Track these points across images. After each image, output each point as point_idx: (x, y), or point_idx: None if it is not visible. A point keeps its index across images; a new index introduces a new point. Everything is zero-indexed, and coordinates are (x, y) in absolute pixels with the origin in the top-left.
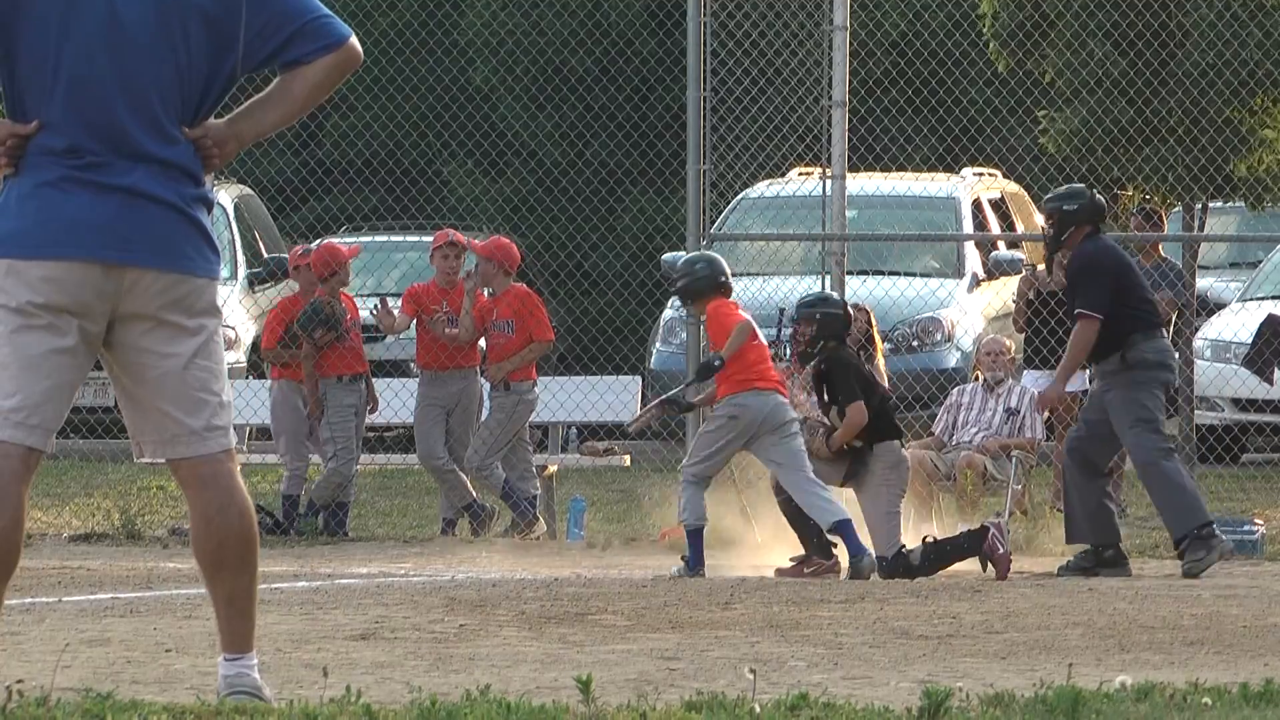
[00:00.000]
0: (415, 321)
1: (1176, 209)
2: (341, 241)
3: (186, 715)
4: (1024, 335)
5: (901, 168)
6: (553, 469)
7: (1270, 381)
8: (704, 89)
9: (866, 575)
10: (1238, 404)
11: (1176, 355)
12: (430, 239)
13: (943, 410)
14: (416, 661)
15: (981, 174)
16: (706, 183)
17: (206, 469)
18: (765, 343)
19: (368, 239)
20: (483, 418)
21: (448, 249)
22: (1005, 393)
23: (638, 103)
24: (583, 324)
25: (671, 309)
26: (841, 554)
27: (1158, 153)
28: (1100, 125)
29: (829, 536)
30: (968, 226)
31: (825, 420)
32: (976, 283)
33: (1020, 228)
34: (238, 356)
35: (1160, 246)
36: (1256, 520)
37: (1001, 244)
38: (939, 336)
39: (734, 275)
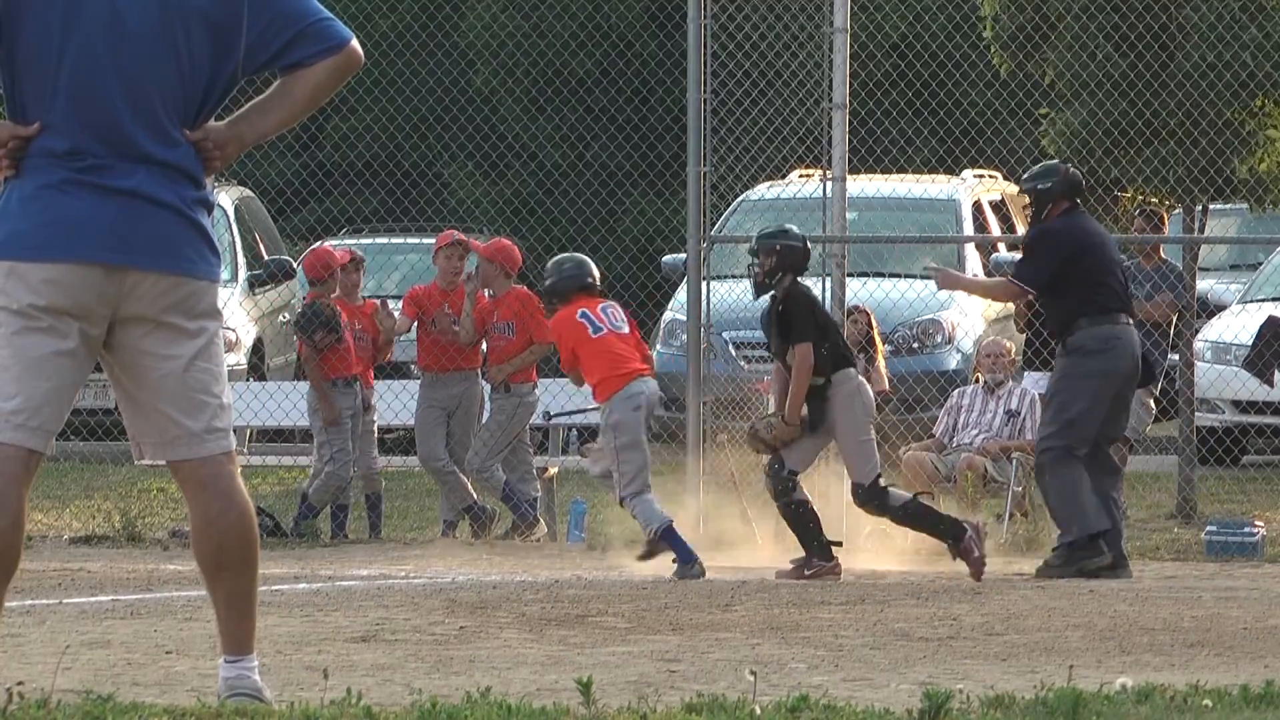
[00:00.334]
0: (416, 324)
1: (1176, 211)
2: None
3: (187, 717)
4: (1024, 337)
5: (902, 170)
6: (553, 471)
7: (1270, 383)
8: (704, 91)
9: (695, 577)
10: (1238, 406)
11: (1144, 346)
12: (431, 241)
13: (943, 412)
14: (417, 663)
15: (982, 176)
16: (707, 184)
17: (207, 471)
18: (615, 328)
19: (368, 241)
20: (483, 420)
21: (451, 249)
22: (1005, 395)
23: (638, 105)
24: None
25: (672, 311)
26: (844, 555)
27: (1158, 154)
28: (1100, 127)
29: (660, 543)
30: (968, 228)
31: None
32: None
33: (1021, 230)
34: (238, 359)
35: (1161, 248)
36: (1256, 522)
37: (1002, 246)
38: (939, 339)
39: (735, 277)
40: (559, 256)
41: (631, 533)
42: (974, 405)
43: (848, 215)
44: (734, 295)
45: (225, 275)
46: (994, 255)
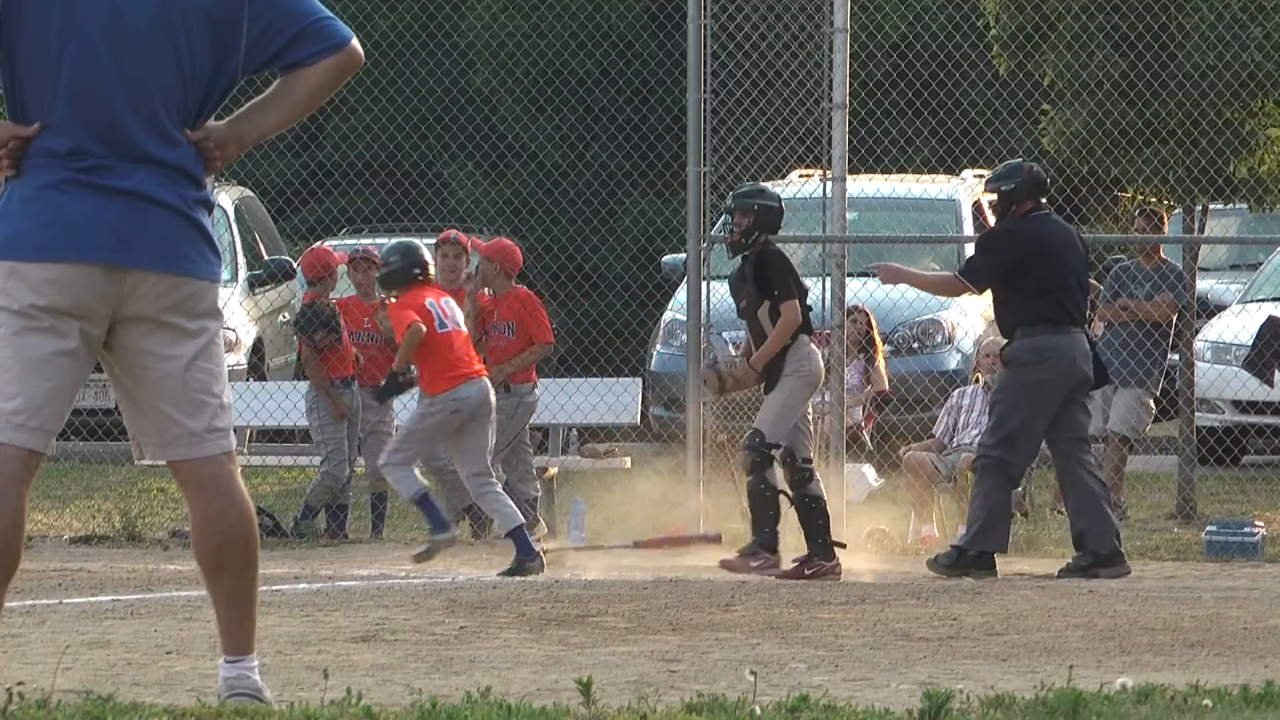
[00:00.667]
0: None
1: (1177, 211)
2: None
3: (187, 717)
4: None
5: (902, 170)
6: (553, 471)
7: (1270, 383)
8: (704, 91)
9: (532, 573)
10: (1238, 406)
11: (1092, 354)
12: (431, 241)
13: (943, 412)
14: (417, 663)
15: (982, 176)
16: (707, 184)
17: (207, 471)
18: (459, 327)
19: (368, 241)
20: None
21: (448, 247)
22: None
23: (638, 105)
24: (583, 326)
25: (672, 311)
26: (847, 558)
27: (1158, 154)
28: (1100, 127)
29: (506, 537)
30: (968, 228)
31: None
32: None
33: None
34: (238, 359)
35: (1161, 248)
36: (1257, 522)
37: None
38: (939, 338)
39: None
40: (392, 244)
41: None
42: (974, 405)
43: (848, 215)
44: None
45: (225, 275)
46: None
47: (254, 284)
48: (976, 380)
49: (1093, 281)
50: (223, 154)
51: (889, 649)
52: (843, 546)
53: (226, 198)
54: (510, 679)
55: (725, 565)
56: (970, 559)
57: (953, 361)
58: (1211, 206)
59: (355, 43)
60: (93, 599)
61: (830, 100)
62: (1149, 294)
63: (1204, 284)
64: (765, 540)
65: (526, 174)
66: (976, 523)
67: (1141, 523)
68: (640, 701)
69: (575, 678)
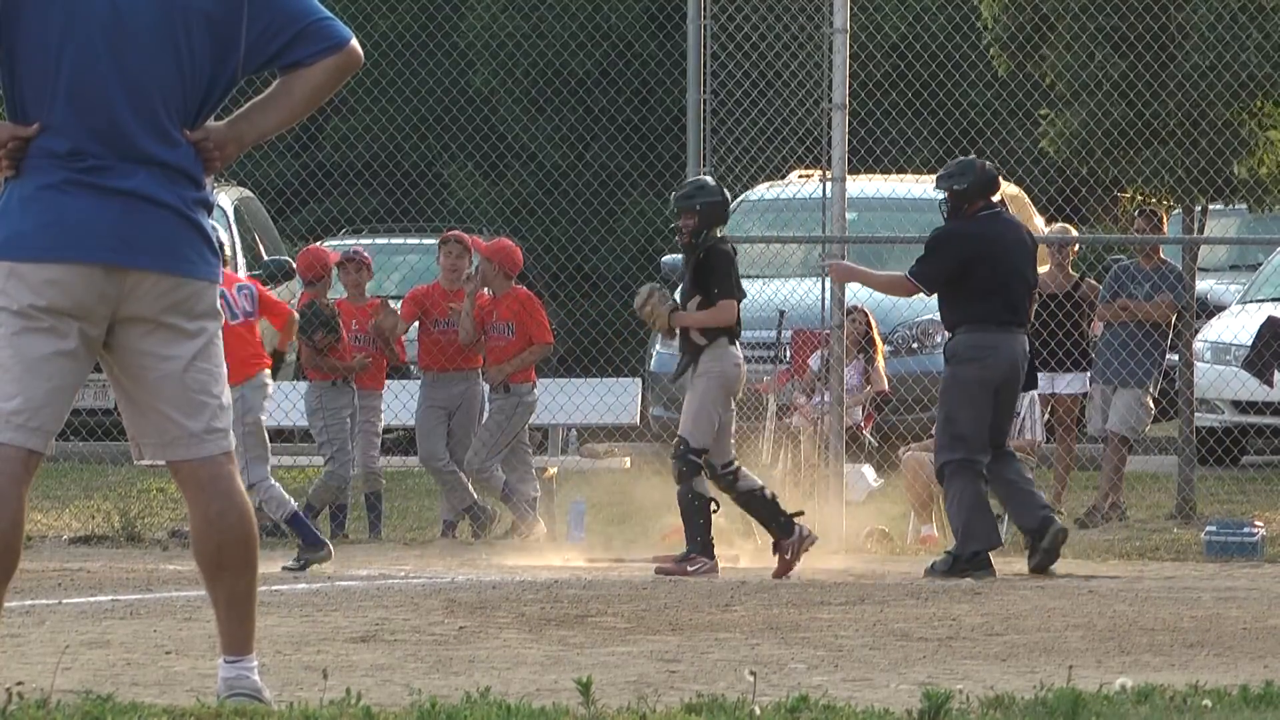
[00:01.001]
0: (418, 324)
1: (1176, 211)
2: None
3: (186, 717)
4: None
5: (902, 170)
6: (552, 471)
7: (1270, 384)
8: (704, 91)
9: (314, 563)
10: (1237, 406)
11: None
12: (430, 241)
13: None
14: (416, 664)
15: None
16: None
17: (206, 471)
18: (247, 316)
19: (368, 241)
20: (483, 420)
21: (452, 246)
22: None
23: (638, 105)
24: (583, 326)
25: None
26: (843, 557)
27: (1157, 155)
28: (1100, 127)
29: (285, 527)
30: None
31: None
32: None
33: None
34: None
35: (1160, 249)
36: (1256, 522)
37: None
38: (939, 339)
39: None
40: None
41: (631, 533)
42: None
43: (847, 216)
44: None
45: None
46: None
47: None
48: None
49: (1092, 282)
50: (222, 154)
51: (888, 649)
52: (800, 514)
53: (226, 198)
54: (510, 679)
55: (661, 571)
56: (965, 562)
57: None
58: (1211, 207)
59: (355, 43)
60: (92, 599)
61: (830, 101)
62: (1148, 294)
63: (1203, 284)
64: (697, 549)
65: (526, 174)
66: (960, 527)
67: (1141, 523)
68: (640, 702)
69: (575, 678)
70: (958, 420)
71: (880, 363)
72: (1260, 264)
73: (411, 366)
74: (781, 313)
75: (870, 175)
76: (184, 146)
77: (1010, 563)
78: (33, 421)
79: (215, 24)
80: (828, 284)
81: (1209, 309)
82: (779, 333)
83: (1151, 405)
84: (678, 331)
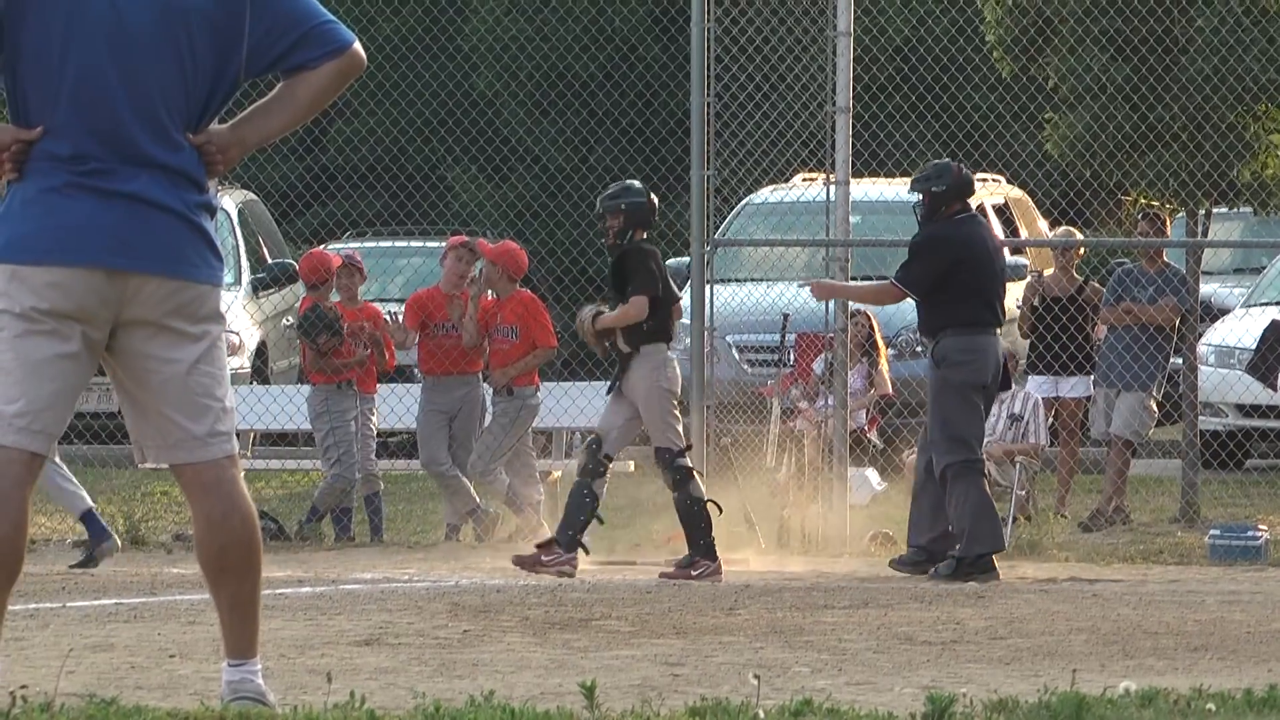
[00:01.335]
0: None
1: (1180, 215)
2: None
3: None
4: (1028, 341)
5: (905, 173)
6: (556, 474)
7: (1274, 387)
8: (708, 94)
9: (101, 559)
10: (1241, 410)
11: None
12: (434, 245)
13: None
14: (420, 667)
15: (985, 179)
16: (710, 188)
17: (209, 474)
18: None
19: (371, 244)
20: (485, 423)
21: (459, 251)
22: (1009, 399)
23: (641, 108)
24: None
25: None
26: (843, 559)
27: (1160, 158)
28: (1103, 131)
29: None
30: None
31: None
32: None
33: (1024, 233)
34: (241, 362)
35: (1164, 252)
36: (1260, 526)
37: (1005, 250)
38: None
39: (738, 280)
40: None
41: (635, 537)
42: None
43: (851, 219)
44: (738, 299)
45: (229, 279)
46: None
47: (258, 287)
48: None
49: (1096, 285)
50: (225, 158)
51: (892, 653)
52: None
53: (230, 201)
54: (514, 682)
55: (665, 576)
56: (968, 565)
57: None
58: (1215, 210)
59: (358, 46)
60: (96, 602)
61: (833, 104)
62: (1152, 298)
63: (1207, 288)
64: (701, 552)
65: (530, 177)
66: (964, 530)
67: (1145, 526)
68: (644, 705)
69: (579, 681)
70: (955, 423)
71: (884, 366)
72: (1264, 267)
73: (415, 370)
74: (785, 316)
75: (874, 178)
76: (186, 150)
77: (1013, 566)
78: (35, 424)
79: (217, 27)
80: None
81: (1213, 312)
82: (783, 336)
83: (1155, 409)
84: (607, 344)
